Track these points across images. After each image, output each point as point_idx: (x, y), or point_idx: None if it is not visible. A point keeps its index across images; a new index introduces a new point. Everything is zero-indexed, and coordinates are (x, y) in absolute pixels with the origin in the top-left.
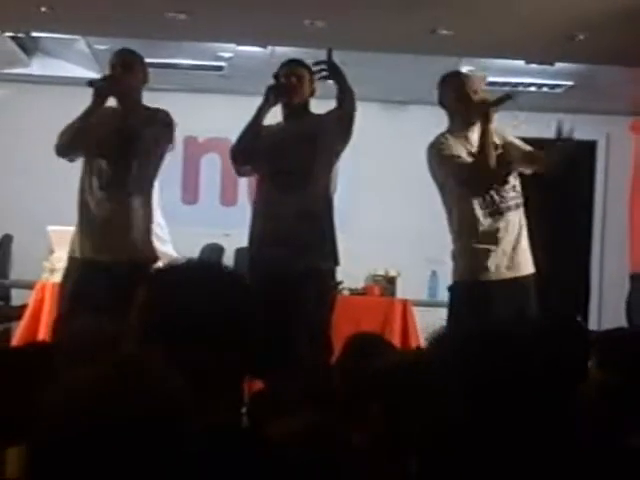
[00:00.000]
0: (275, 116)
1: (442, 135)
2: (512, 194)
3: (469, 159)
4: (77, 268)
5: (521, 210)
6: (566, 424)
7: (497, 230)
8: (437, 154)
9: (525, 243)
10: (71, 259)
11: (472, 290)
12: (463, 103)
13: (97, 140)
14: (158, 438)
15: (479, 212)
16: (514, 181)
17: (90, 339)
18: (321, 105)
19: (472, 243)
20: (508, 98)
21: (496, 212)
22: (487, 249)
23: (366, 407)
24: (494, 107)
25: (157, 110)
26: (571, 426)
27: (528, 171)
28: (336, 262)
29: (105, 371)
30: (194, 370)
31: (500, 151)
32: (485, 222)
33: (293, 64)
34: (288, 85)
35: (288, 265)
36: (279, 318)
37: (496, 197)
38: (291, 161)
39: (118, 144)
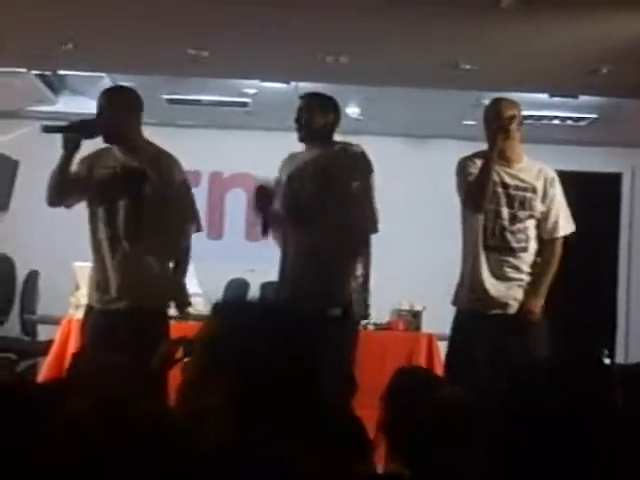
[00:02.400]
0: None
1: (466, 156)
2: (520, 236)
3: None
4: (89, 316)
5: (526, 254)
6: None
7: (497, 264)
8: (456, 170)
9: (521, 285)
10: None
11: (466, 319)
12: (487, 124)
13: (96, 185)
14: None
15: (481, 243)
16: (529, 228)
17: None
18: None
19: (470, 271)
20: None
21: (499, 248)
22: (481, 281)
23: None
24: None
25: (162, 152)
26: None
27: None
28: (344, 307)
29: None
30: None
31: (528, 195)
32: (486, 254)
33: (302, 98)
34: (297, 120)
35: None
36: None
37: (503, 234)
38: (301, 196)
39: (120, 186)
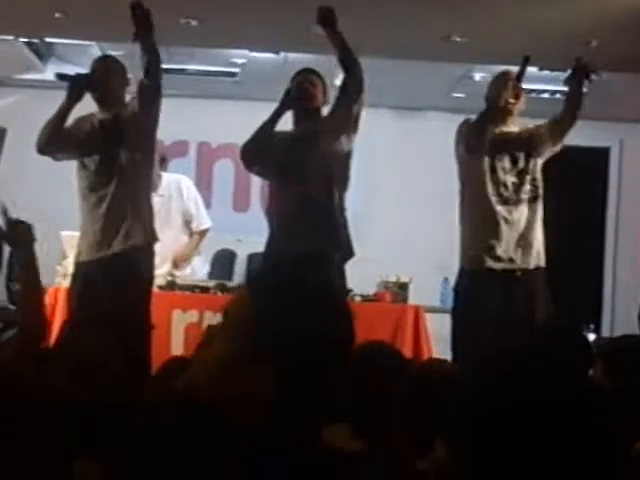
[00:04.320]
0: (287, 123)
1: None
2: (528, 187)
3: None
4: (76, 271)
5: (536, 204)
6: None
7: (505, 219)
8: (459, 129)
9: (535, 237)
10: (75, 263)
11: (475, 278)
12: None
13: (79, 141)
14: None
15: (491, 198)
16: (534, 173)
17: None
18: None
19: (479, 228)
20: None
21: (508, 201)
22: (493, 237)
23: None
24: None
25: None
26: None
27: (558, 147)
28: (340, 248)
29: None
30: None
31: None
32: (495, 209)
33: (307, 72)
34: (302, 91)
35: (287, 250)
36: None
37: (511, 186)
38: (294, 159)
39: (101, 139)
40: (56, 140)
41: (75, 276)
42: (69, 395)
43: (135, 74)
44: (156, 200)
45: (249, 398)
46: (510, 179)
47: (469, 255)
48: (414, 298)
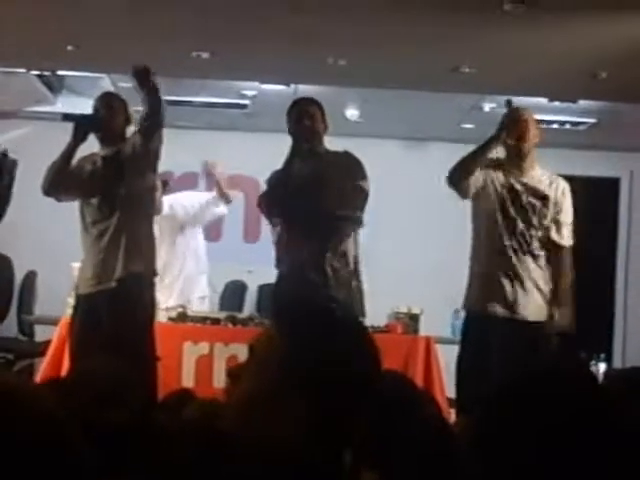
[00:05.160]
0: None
1: None
2: (535, 243)
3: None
4: (77, 303)
5: (539, 261)
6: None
7: (512, 267)
8: None
9: (536, 291)
10: (76, 296)
11: (476, 321)
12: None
13: (82, 182)
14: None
15: (504, 242)
16: (541, 237)
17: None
18: None
19: (485, 270)
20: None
21: (519, 251)
22: (495, 282)
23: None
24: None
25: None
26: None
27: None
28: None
29: None
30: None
31: (540, 203)
32: (502, 257)
33: (303, 103)
34: (303, 130)
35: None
36: None
37: (525, 237)
38: (307, 207)
39: (103, 176)
40: (60, 182)
41: (76, 308)
42: (86, 423)
43: (142, 106)
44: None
45: (278, 433)
46: (521, 229)
47: (471, 298)
48: (425, 329)
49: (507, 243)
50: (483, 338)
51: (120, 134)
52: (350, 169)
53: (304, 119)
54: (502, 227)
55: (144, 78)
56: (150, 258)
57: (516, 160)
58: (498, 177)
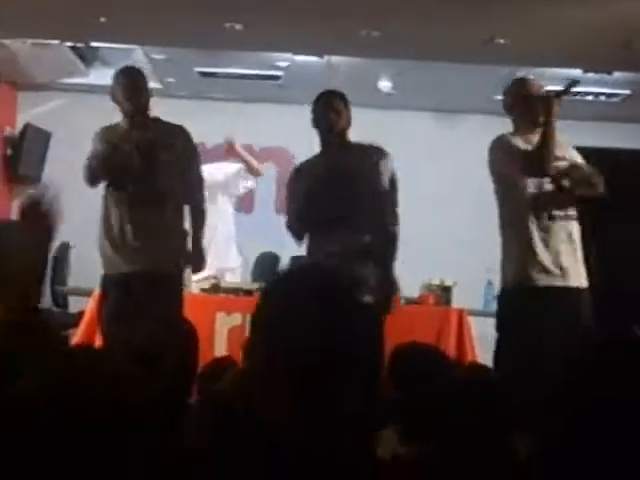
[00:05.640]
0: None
1: (503, 134)
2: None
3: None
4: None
5: (573, 223)
6: None
7: (546, 237)
8: (496, 148)
9: (575, 255)
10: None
11: (517, 297)
12: (528, 102)
13: (118, 163)
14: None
15: (531, 216)
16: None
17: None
18: None
19: (520, 246)
20: (575, 83)
21: (548, 218)
22: (533, 254)
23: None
24: (562, 95)
25: (175, 125)
26: None
27: (585, 194)
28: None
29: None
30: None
31: (564, 164)
32: (535, 226)
33: (329, 97)
34: (330, 125)
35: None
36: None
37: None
38: (333, 203)
39: (139, 160)
40: (104, 172)
41: (116, 285)
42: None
43: (176, 78)
44: None
45: (274, 410)
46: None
47: (511, 272)
48: (457, 301)
49: (540, 212)
50: (532, 312)
51: (145, 111)
52: (379, 163)
53: (330, 113)
54: (533, 196)
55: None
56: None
57: (533, 126)
58: (520, 148)
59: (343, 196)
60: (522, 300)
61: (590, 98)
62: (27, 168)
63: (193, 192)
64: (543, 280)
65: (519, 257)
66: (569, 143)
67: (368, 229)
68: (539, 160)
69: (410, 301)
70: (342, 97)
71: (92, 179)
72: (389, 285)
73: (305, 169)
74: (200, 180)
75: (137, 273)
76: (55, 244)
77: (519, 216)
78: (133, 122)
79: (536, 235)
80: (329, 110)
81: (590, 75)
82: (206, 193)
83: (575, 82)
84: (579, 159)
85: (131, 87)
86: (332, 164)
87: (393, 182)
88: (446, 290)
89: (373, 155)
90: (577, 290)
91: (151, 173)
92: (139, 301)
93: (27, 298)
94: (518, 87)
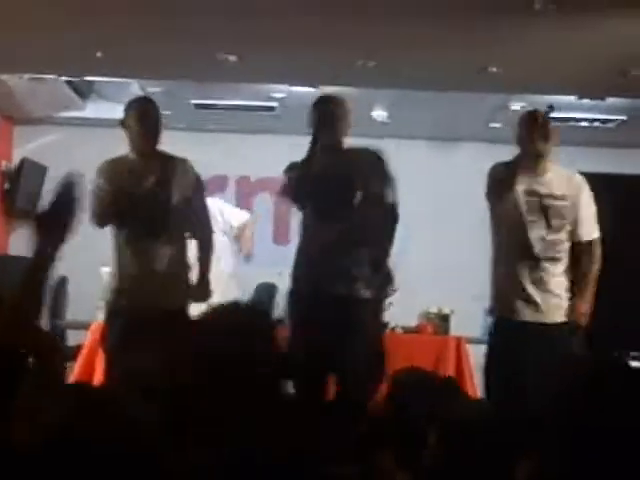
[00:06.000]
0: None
1: (497, 163)
2: (557, 247)
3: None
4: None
5: (559, 265)
6: None
7: (531, 272)
8: (488, 175)
9: (558, 292)
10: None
11: (503, 327)
12: (528, 132)
13: (128, 203)
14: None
15: (524, 252)
16: (563, 239)
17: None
18: None
19: (504, 276)
20: (552, 109)
21: (539, 257)
22: (515, 288)
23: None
24: (539, 118)
25: (180, 159)
26: None
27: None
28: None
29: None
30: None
31: (560, 203)
32: (521, 263)
33: (328, 102)
34: (329, 128)
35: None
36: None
37: (546, 242)
38: (332, 197)
39: (148, 201)
40: (110, 214)
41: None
42: None
43: (172, 110)
44: None
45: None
46: (542, 234)
47: (498, 304)
48: (456, 329)
49: (529, 248)
50: (513, 342)
51: (155, 146)
52: (374, 165)
53: (327, 116)
54: (523, 231)
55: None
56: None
57: (534, 162)
58: (518, 180)
59: (339, 190)
60: (506, 330)
61: (585, 124)
62: (24, 202)
63: (201, 226)
64: (526, 315)
65: (505, 291)
66: (566, 167)
67: (362, 221)
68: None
69: (408, 330)
70: (342, 102)
71: (101, 224)
72: (385, 276)
73: (300, 165)
74: (206, 214)
75: (145, 307)
76: (53, 277)
77: (508, 251)
78: (141, 156)
79: (526, 271)
80: (326, 113)
81: (585, 101)
82: None
83: (551, 108)
84: (589, 202)
85: (146, 121)
86: (329, 161)
87: (390, 181)
88: (444, 318)
89: (369, 155)
90: (553, 325)
91: (159, 210)
92: (145, 334)
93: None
94: (521, 119)
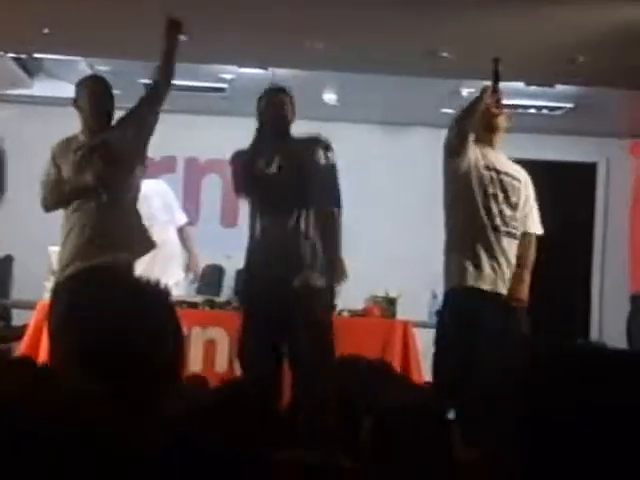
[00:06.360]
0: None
1: None
2: (515, 224)
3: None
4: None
5: (514, 242)
6: None
7: (491, 247)
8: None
9: (511, 269)
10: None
11: (459, 295)
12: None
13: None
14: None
15: (483, 222)
16: (518, 217)
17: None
18: None
19: (469, 251)
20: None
21: (496, 230)
22: (477, 260)
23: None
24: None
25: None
26: None
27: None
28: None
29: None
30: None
31: (516, 184)
32: (487, 236)
33: (276, 92)
34: (277, 117)
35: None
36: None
37: (505, 217)
38: (281, 190)
39: (96, 161)
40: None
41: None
42: None
43: (121, 90)
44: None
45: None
46: (501, 208)
47: (456, 274)
48: (402, 314)
49: (488, 222)
50: (466, 313)
51: (109, 121)
52: (318, 153)
53: (275, 107)
54: (483, 205)
55: (175, 31)
56: (132, 244)
57: (489, 140)
58: (479, 153)
59: (284, 181)
60: (460, 301)
61: (533, 111)
62: None
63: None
64: (486, 285)
65: (464, 262)
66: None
67: (310, 213)
68: (464, 118)
69: (355, 313)
70: (288, 93)
71: (48, 208)
72: (335, 270)
73: (246, 153)
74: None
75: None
76: None
77: (472, 222)
78: (93, 133)
79: (485, 243)
80: (274, 103)
81: (533, 88)
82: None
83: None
84: (533, 197)
85: (97, 100)
86: (275, 151)
87: (333, 167)
88: (391, 302)
89: (315, 144)
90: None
91: (110, 177)
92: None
93: None
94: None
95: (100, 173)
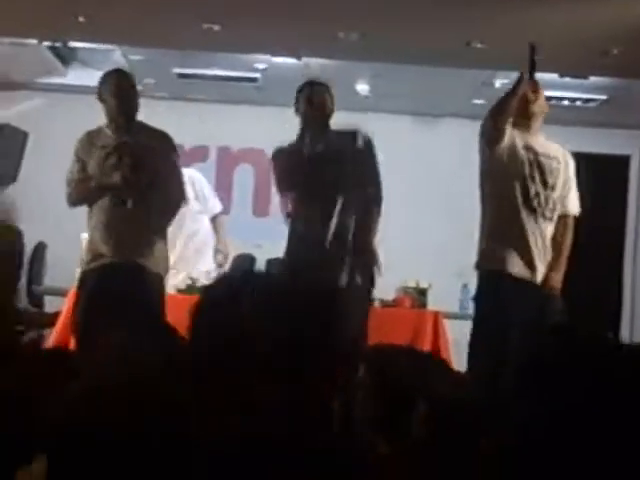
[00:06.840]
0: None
1: None
2: (551, 206)
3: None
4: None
5: (551, 224)
6: None
7: (531, 228)
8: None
9: (545, 255)
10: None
11: (494, 280)
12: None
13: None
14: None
15: (520, 207)
16: (556, 198)
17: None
18: None
19: (504, 237)
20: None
21: (533, 212)
22: (516, 245)
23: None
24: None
25: (158, 131)
26: None
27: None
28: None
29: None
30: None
31: (555, 165)
32: (522, 220)
33: (315, 85)
34: (317, 109)
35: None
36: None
37: (541, 199)
38: (325, 182)
39: (123, 162)
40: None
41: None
42: None
43: (154, 79)
44: None
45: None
46: (538, 190)
47: (490, 258)
48: (433, 304)
49: (524, 204)
50: (501, 298)
51: (134, 116)
52: (360, 149)
53: (316, 103)
54: (520, 186)
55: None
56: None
57: (526, 125)
58: (516, 136)
59: (329, 177)
60: (497, 286)
61: (566, 103)
62: (4, 167)
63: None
64: (522, 270)
65: (493, 244)
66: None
67: (351, 214)
68: (497, 112)
69: (386, 304)
70: (327, 88)
71: (74, 205)
72: (372, 262)
73: (287, 151)
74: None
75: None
76: (32, 244)
77: (510, 207)
78: (119, 128)
79: (525, 226)
80: (313, 98)
81: (566, 80)
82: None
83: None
84: (573, 177)
85: (123, 95)
86: (316, 148)
87: (377, 164)
88: (422, 293)
89: (355, 139)
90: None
91: (137, 179)
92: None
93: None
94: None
95: (127, 174)
